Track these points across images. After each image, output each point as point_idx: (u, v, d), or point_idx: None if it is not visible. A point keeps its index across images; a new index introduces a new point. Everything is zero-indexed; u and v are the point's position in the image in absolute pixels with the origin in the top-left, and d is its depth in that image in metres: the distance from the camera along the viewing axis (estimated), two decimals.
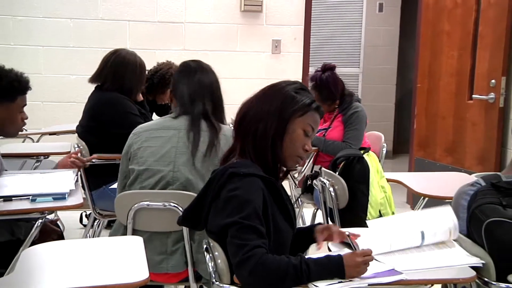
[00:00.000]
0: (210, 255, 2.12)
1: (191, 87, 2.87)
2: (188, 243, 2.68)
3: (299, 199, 4.28)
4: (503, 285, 2.10)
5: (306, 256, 1.96)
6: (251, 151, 2.10)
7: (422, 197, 3.41)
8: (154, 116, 4.21)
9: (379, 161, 3.94)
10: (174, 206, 2.67)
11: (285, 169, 2.23)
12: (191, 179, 2.71)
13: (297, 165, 2.21)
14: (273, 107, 2.09)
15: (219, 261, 2.04)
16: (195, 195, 2.23)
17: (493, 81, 5.07)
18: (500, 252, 2.13)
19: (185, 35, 5.64)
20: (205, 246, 2.17)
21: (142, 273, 1.95)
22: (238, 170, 2.03)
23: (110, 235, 2.85)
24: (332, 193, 3.44)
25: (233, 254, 1.91)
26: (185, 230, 2.67)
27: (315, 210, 4.27)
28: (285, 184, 2.43)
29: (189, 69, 2.94)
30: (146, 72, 3.93)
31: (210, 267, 2.08)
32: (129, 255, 2.17)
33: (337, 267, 1.90)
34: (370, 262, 2.02)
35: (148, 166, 2.76)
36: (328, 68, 4.18)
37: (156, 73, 4.33)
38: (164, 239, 2.73)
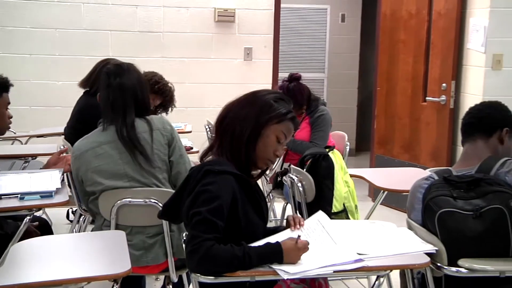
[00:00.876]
0: None
1: (111, 95, 2.71)
2: (167, 236, 2.67)
3: (270, 194, 4.28)
4: (453, 269, 2.13)
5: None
6: (227, 149, 2.11)
7: (382, 191, 3.44)
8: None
9: (343, 158, 3.96)
10: (154, 202, 2.66)
11: (260, 170, 2.24)
12: (146, 182, 2.68)
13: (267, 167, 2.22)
14: (252, 111, 2.10)
15: None
16: (173, 191, 2.22)
17: (444, 84, 5.13)
18: (451, 239, 2.15)
19: (164, 44, 5.61)
20: (183, 239, 2.16)
21: (124, 265, 1.94)
22: (213, 167, 2.04)
23: (93, 230, 2.83)
24: (300, 188, 3.45)
25: (187, 241, 1.94)
26: (165, 223, 2.66)
27: (285, 204, 4.28)
28: (257, 180, 2.43)
29: (109, 75, 2.75)
30: None
31: None
32: (112, 248, 2.15)
33: (277, 255, 1.94)
34: (334, 251, 2.04)
35: (105, 186, 2.67)
36: (294, 78, 4.19)
37: None
38: (141, 235, 2.70)
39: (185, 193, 2.08)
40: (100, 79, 2.81)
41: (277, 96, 2.16)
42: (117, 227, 2.69)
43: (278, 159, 2.19)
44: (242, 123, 2.09)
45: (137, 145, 2.66)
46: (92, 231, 2.82)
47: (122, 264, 1.94)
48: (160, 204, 2.60)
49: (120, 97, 2.70)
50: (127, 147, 2.66)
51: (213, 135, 4.52)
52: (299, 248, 1.97)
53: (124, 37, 5.53)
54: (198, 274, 1.92)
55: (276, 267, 1.92)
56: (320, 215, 2.31)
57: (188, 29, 5.63)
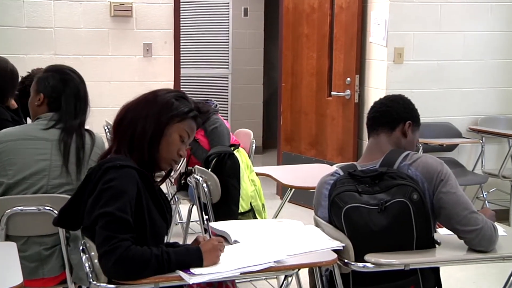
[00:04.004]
0: (87, 255, 2.06)
1: (76, 99, 2.76)
2: (64, 246, 2.59)
3: (175, 196, 4.25)
4: (360, 264, 2.19)
5: None
6: (126, 151, 2.09)
7: (290, 188, 3.51)
8: (28, 121, 4.02)
9: (249, 157, 4.00)
10: (49, 209, 2.57)
11: (164, 172, 2.24)
12: (68, 190, 2.62)
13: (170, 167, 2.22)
14: (153, 110, 2.10)
15: (95, 261, 1.98)
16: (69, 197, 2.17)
17: (348, 79, 5.29)
18: (357, 235, 2.22)
19: (56, 40, 5.42)
20: (81, 247, 2.10)
21: (15, 278, 1.86)
22: (114, 163, 2.02)
23: None
24: (206, 189, 3.46)
25: (100, 243, 1.90)
26: (61, 232, 2.58)
27: (191, 206, 4.27)
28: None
29: (71, 77, 2.79)
30: (20, 77, 3.73)
31: (87, 267, 2.02)
32: (2, 261, 2.06)
33: (195, 253, 1.96)
34: (240, 252, 2.06)
35: (19, 180, 2.60)
36: None
37: (29, 77, 4.13)
38: (37, 246, 2.62)
39: (85, 195, 2.04)
40: (60, 79, 2.79)
41: (178, 95, 2.17)
42: (9, 237, 2.58)
43: (181, 159, 2.20)
44: (143, 123, 2.08)
45: (80, 155, 2.65)
46: None
47: (13, 278, 1.87)
48: (56, 212, 2.52)
49: (81, 103, 2.78)
50: (61, 151, 2.63)
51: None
52: (216, 246, 1.99)
53: (10, 33, 5.29)
54: (105, 284, 1.88)
55: (181, 273, 1.92)
56: None
57: (82, 24, 5.48)
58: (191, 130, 2.15)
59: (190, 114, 2.14)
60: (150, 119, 2.08)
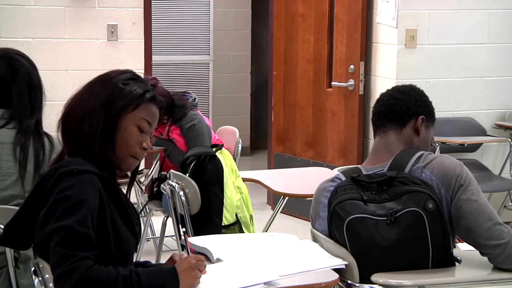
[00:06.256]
0: (40, 278, 2.05)
1: (30, 89, 2.73)
2: (12, 268, 2.58)
3: (146, 206, 4.26)
4: (366, 286, 2.21)
5: None
6: (79, 155, 2.07)
7: (282, 197, 3.52)
8: None
9: (234, 159, 4.01)
10: None
11: (129, 174, 2.23)
12: (20, 204, 2.61)
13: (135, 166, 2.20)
14: (99, 103, 2.06)
15: (50, 285, 1.98)
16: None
17: (351, 66, 5.31)
18: (362, 251, 2.23)
19: (1, 20, 5.40)
20: (33, 268, 2.10)
21: None
22: (71, 168, 1.99)
23: None
24: (183, 198, 3.46)
25: (56, 263, 1.88)
26: (9, 252, 2.57)
27: (165, 218, 4.28)
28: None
29: (20, 62, 2.75)
30: None
31: None
32: None
33: (170, 274, 1.95)
34: (224, 272, 2.07)
35: None
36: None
37: None
38: None
39: (36, 206, 2.02)
40: (7, 66, 2.75)
41: (127, 77, 2.12)
42: None
43: (146, 152, 2.16)
44: (90, 119, 2.05)
45: (39, 162, 2.63)
46: None
47: None
48: (1, 226, 2.51)
49: (36, 95, 2.75)
50: (23, 158, 2.61)
51: None
52: (195, 265, 1.99)
53: None
54: None
55: None
56: None
57: (33, 1, 5.46)
58: (152, 116, 2.11)
59: (146, 96, 2.09)
60: (97, 114, 2.05)
